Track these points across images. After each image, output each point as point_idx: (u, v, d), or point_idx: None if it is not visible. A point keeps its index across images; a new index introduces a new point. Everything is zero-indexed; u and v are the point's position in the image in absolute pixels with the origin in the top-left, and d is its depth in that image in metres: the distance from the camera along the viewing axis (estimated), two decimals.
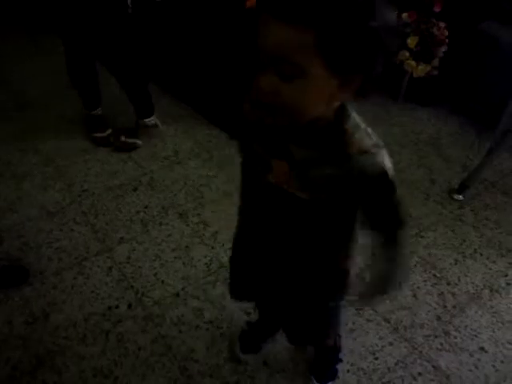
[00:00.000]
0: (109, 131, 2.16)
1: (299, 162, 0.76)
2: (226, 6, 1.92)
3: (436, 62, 2.04)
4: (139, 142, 2.16)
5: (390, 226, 0.87)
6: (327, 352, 1.39)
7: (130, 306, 1.50)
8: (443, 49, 2.00)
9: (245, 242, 1.04)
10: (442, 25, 1.96)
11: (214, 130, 2.28)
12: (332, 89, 0.66)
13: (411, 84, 2.20)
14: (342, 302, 1.06)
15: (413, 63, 2.04)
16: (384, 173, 0.74)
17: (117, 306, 1.49)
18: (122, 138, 2.13)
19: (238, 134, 0.89)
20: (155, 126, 2.21)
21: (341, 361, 1.40)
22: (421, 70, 2.04)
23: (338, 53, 0.61)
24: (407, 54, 2.04)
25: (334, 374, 1.41)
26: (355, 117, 0.74)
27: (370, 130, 0.75)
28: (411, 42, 1.99)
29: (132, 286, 1.56)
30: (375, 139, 0.75)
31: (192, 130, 2.29)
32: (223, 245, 1.72)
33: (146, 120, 2.18)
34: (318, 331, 1.15)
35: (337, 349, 1.39)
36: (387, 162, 0.74)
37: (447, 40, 2.00)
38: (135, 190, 1.94)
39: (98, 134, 2.14)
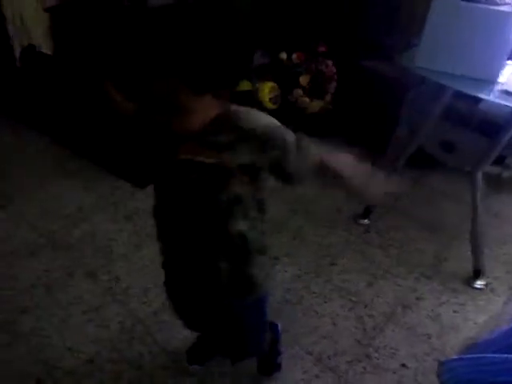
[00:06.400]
0: None
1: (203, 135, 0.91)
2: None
3: (329, 98, 2.18)
4: None
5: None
6: (267, 356, 1.44)
7: (38, 381, 1.37)
8: (333, 85, 2.15)
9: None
10: (330, 62, 2.11)
11: (116, 181, 2.21)
12: (209, 102, 0.87)
13: (308, 119, 2.31)
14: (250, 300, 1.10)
15: (307, 100, 2.16)
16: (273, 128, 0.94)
17: None
18: None
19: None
20: None
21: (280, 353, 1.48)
22: (315, 105, 2.16)
23: (197, 84, 0.83)
24: (300, 91, 2.15)
25: (278, 366, 1.48)
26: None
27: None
28: (303, 80, 2.11)
29: (39, 359, 1.43)
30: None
31: (93, 184, 2.19)
32: (137, 298, 1.64)
33: None
34: (244, 338, 1.20)
35: (275, 350, 1.45)
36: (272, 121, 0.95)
37: (336, 76, 2.14)
38: (33, 254, 1.80)
39: None
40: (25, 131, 2.45)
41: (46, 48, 1.94)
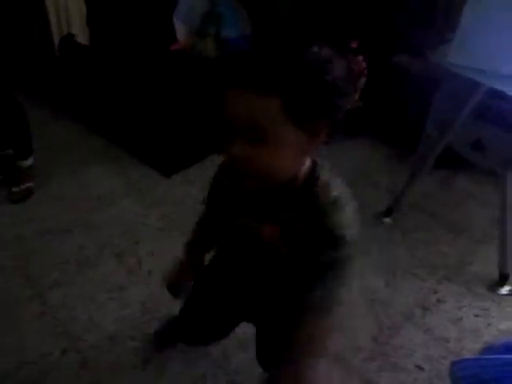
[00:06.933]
0: None
1: (286, 222, 0.81)
2: (152, 49, 1.98)
3: (357, 94, 2.15)
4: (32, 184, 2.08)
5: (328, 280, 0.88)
6: None
7: (63, 351, 1.46)
8: (363, 80, 2.11)
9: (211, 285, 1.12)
10: (360, 58, 2.08)
11: (146, 169, 2.27)
12: (303, 143, 0.73)
13: None
14: None
15: None
16: (341, 236, 0.80)
17: (50, 353, 1.44)
18: (15, 189, 2.04)
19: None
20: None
21: None
22: None
23: (303, 111, 0.68)
24: None
25: None
26: (325, 168, 0.83)
27: (338, 180, 0.84)
28: None
29: (66, 331, 1.51)
30: (344, 194, 0.82)
31: (125, 170, 2.26)
32: (159, 282, 1.69)
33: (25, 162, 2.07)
34: None
35: None
36: (349, 224, 0.81)
37: (366, 72, 2.11)
38: (69, 232, 1.90)
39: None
40: (65, 120, 2.55)
41: (82, 38, 2.02)
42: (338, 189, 0.82)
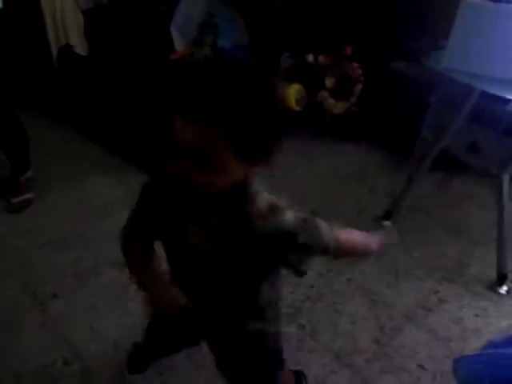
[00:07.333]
0: None
1: (212, 227, 0.86)
2: (149, 59, 2.00)
3: (353, 100, 2.20)
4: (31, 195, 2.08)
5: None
6: None
7: (65, 362, 1.45)
8: (359, 87, 2.16)
9: None
10: (356, 65, 2.13)
11: (146, 178, 2.24)
12: (243, 170, 0.79)
13: (334, 121, 2.34)
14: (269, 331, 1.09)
15: (332, 101, 2.18)
16: (283, 233, 0.84)
17: (52, 364, 1.44)
18: (13, 200, 2.04)
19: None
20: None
21: None
22: (339, 107, 2.18)
23: (245, 146, 0.75)
24: (326, 93, 2.18)
25: None
26: (256, 183, 0.86)
27: (267, 194, 0.87)
28: (329, 82, 2.13)
29: (67, 341, 1.51)
30: (274, 201, 0.85)
31: (124, 180, 2.25)
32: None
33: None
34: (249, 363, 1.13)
35: None
36: (287, 222, 0.84)
37: (362, 78, 2.16)
38: (68, 242, 1.89)
39: None
40: (63, 130, 2.55)
41: (80, 49, 2.03)
42: (267, 200, 0.85)
